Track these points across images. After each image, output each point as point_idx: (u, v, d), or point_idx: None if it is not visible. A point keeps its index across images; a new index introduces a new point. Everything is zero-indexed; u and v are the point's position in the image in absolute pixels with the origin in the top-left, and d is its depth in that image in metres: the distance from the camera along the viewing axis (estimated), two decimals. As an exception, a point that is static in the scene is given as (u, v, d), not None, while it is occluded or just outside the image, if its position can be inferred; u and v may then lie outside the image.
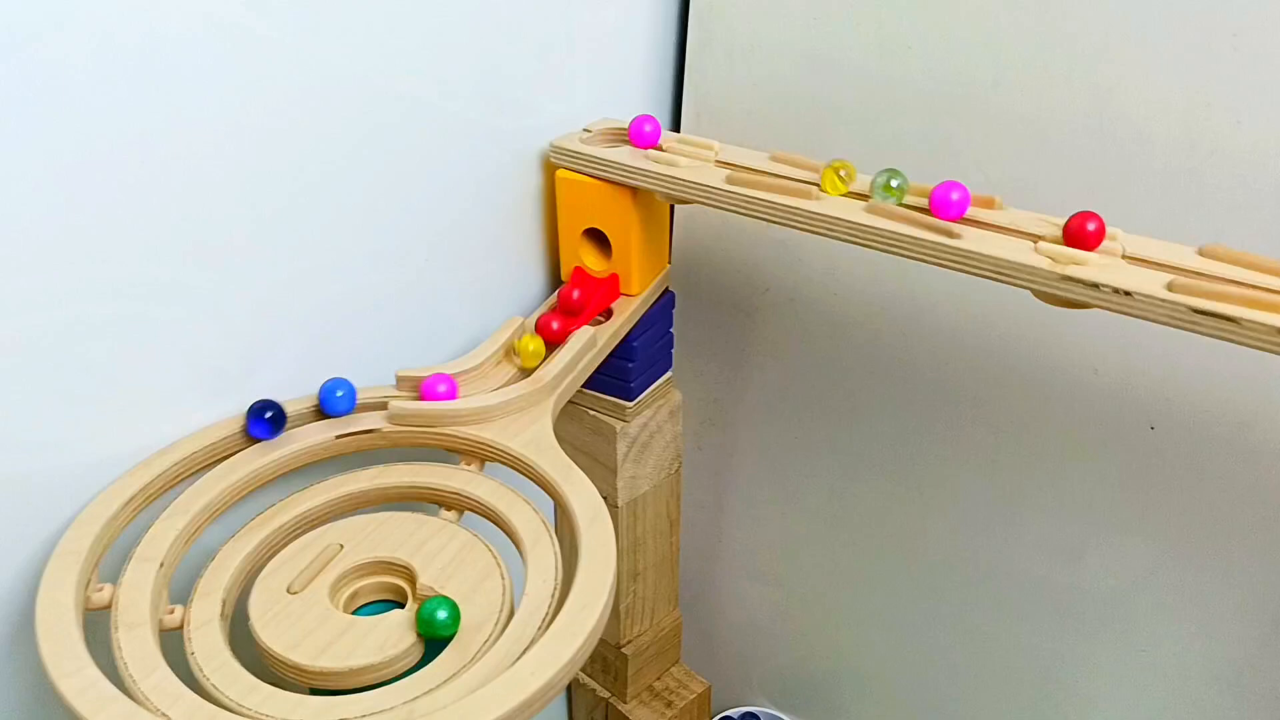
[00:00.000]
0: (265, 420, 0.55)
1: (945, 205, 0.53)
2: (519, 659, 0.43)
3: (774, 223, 0.58)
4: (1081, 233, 0.50)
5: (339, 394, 0.57)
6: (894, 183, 0.55)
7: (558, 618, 0.45)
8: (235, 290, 0.55)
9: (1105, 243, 0.50)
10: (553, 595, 0.48)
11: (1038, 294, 0.50)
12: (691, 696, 0.89)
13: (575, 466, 0.54)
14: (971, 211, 0.54)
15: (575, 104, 0.69)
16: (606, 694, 0.88)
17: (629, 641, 0.85)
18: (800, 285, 0.75)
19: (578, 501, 0.52)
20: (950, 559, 0.79)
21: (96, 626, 0.47)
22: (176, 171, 0.50)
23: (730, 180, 0.59)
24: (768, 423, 0.84)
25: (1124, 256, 0.49)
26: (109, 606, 0.47)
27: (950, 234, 0.52)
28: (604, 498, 0.75)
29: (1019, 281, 0.50)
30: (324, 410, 0.57)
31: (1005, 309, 0.64)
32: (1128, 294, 0.47)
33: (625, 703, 0.88)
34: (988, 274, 0.51)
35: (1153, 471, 0.65)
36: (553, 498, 0.54)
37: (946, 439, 0.74)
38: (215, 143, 0.51)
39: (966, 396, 0.71)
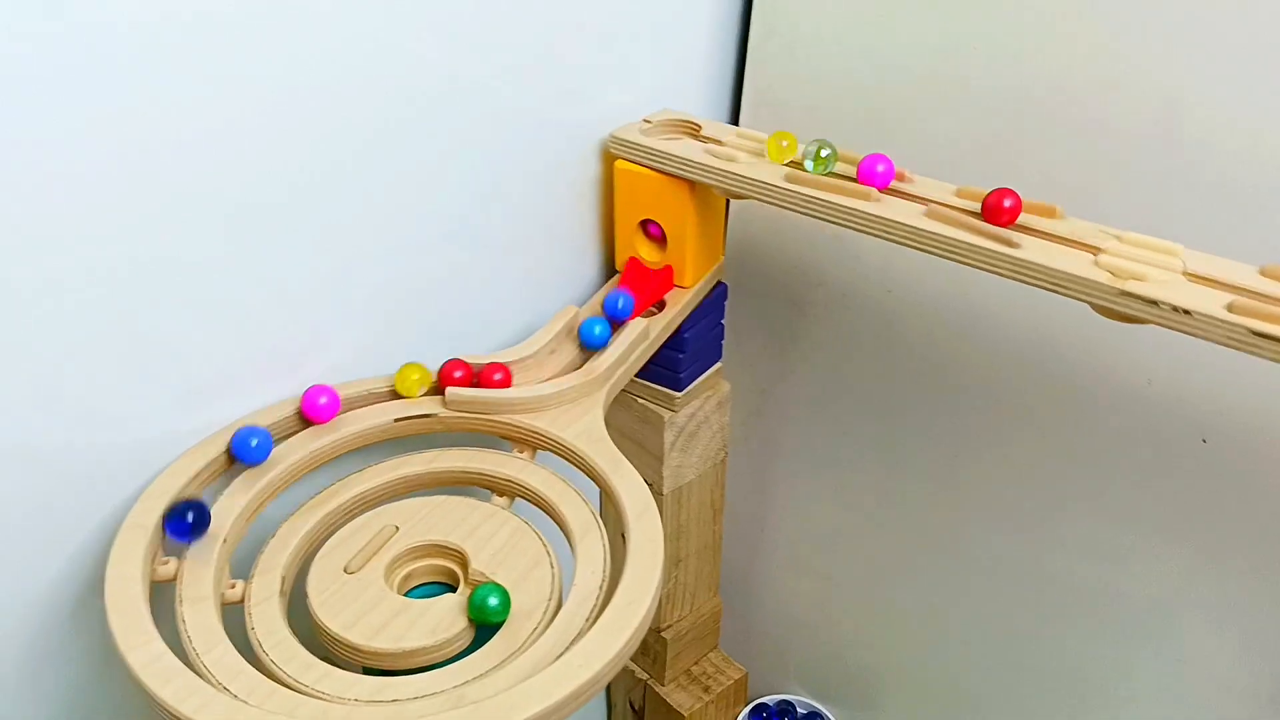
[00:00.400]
0: (185, 522, 0.49)
1: (871, 175, 0.57)
2: (567, 650, 0.44)
3: (831, 223, 0.58)
4: (998, 208, 0.53)
5: (254, 442, 0.53)
6: (824, 152, 0.59)
7: (605, 611, 0.46)
8: (295, 271, 0.56)
9: (1166, 258, 0.50)
10: (600, 588, 0.49)
11: (1096, 308, 0.50)
12: (728, 683, 0.90)
13: (625, 460, 0.55)
14: (1032, 220, 0.54)
15: (636, 94, 0.69)
16: (645, 676, 0.90)
17: (669, 626, 0.86)
18: (855, 281, 0.75)
19: (627, 495, 0.53)
20: (992, 559, 0.79)
21: (160, 597, 0.48)
22: (232, 149, 0.50)
23: (789, 178, 0.59)
24: (815, 416, 0.84)
25: (1184, 274, 0.49)
26: (174, 579, 0.49)
27: (1009, 243, 0.52)
28: (649, 485, 0.76)
29: (1077, 295, 0.50)
30: (237, 457, 0.54)
31: (1061, 316, 0.64)
32: (1187, 313, 0.46)
33: (663, 685, 0.89)
34: (1045, 285, 0.51)
35: (1202, 483, 0.64)
36: (602, 489, 0.55)
37: (994, 441, 0.74)
38: (275, 119, 0.51)
39: (1016, 401, 0.71)
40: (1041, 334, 0.67)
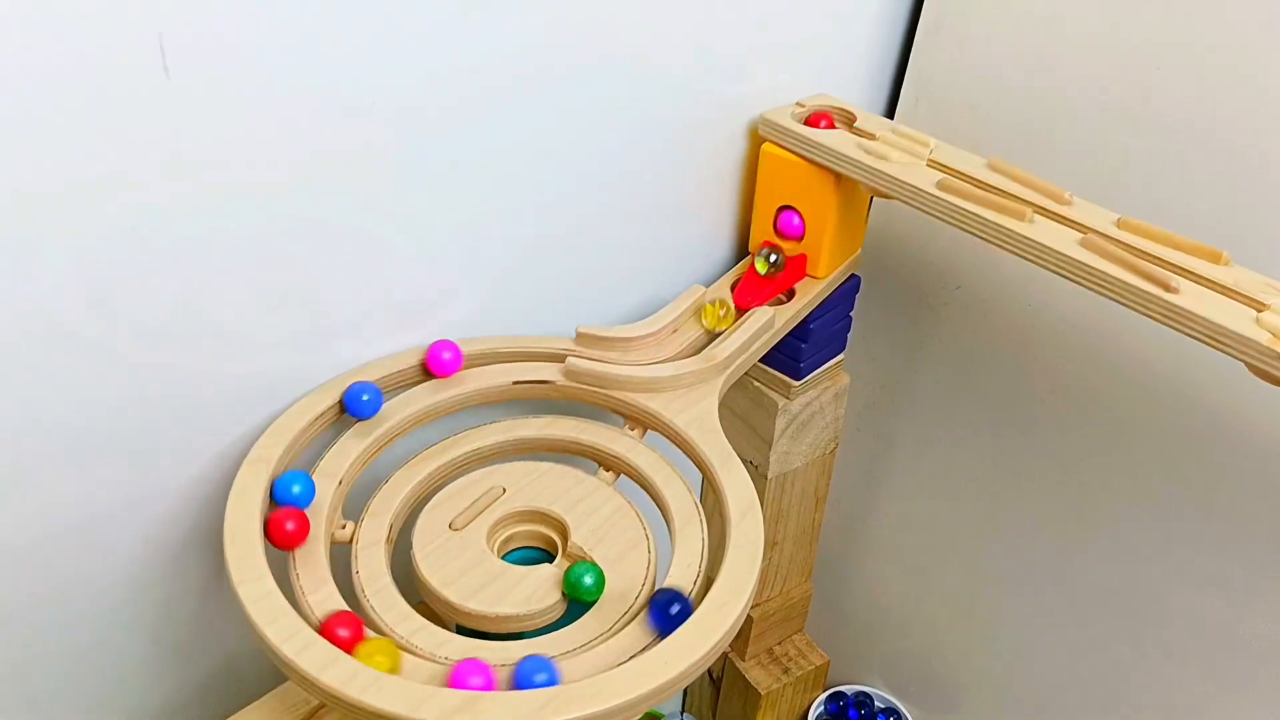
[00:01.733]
0: (669, 615, 0.46)
1: None
2: (655, 644, 0.45)
3: (980, 238, 0.56)
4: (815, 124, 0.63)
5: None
6: (772, 258, 0.65)
7: (699, 609, 0.46)
8: (432, 221, 0.56)
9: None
10: (695, 581, 0.49)
11: (1251, 367, 0.47)
12: (809, 667, 0.90)
13: (734, 455, 0.54)
14: (1194, 263, 0.51)
15: (791, 76, 0.68)
16: (727, 649, 0.90)
17: (756, 605, 0.86)
18: (993, 290, 0.73)
19: (732, 493, 0.52)
20: (1102, 584, 0.76)
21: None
22: (386, 104, 0.50)
23: (941, 186, 0.58)
24: (933, 418, 0.82)
25: (1355, 346, 0.46)
26: (290, 515, 0.51)
27: (1167, 287, 0.49)
28: (754, 466, 0.76)
29: (1232, 351, 0.47)
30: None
31: (1210, 362, 0.61)
32: (1352, 390, 0.44)
33: (744, 660, 0.90)
34: (1199, 337, 0.48)
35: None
36: (708, 480, 0.55)
37: (1119, 471, 0.71)
38: (433, 79, 0.51)
39: (1148, 435, 0.68)
40: (1185, 376, 0.63)
